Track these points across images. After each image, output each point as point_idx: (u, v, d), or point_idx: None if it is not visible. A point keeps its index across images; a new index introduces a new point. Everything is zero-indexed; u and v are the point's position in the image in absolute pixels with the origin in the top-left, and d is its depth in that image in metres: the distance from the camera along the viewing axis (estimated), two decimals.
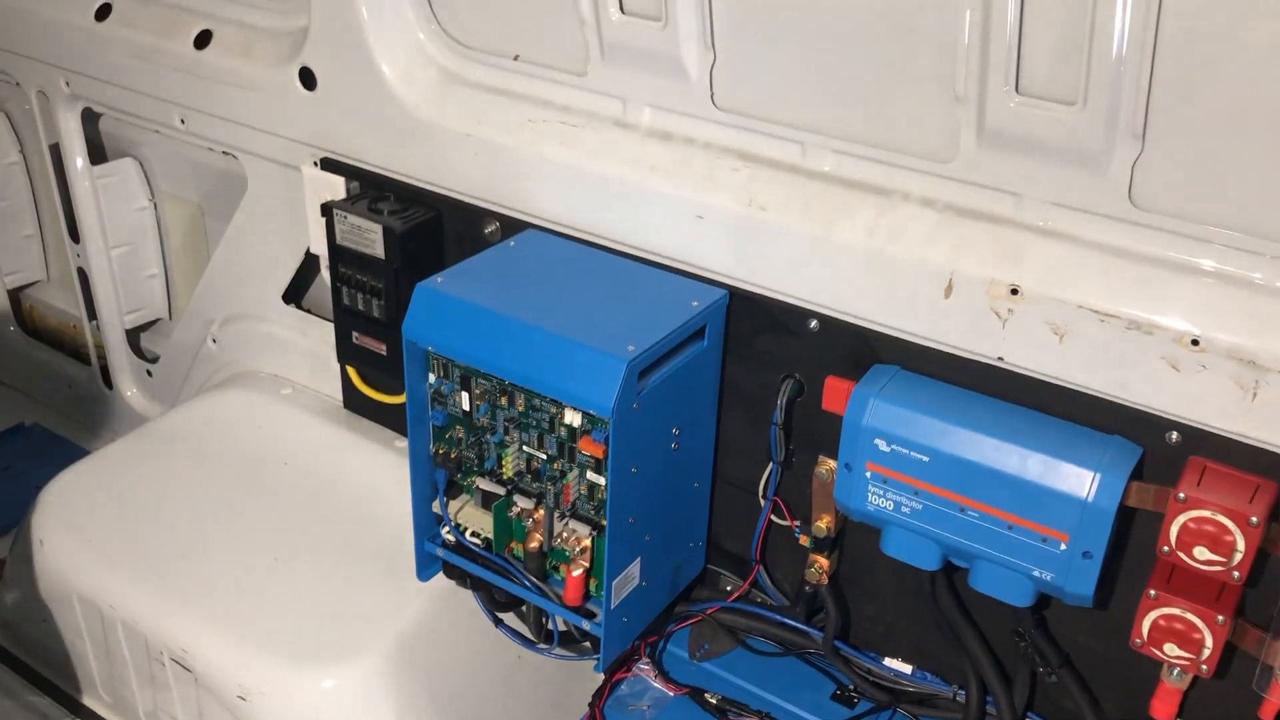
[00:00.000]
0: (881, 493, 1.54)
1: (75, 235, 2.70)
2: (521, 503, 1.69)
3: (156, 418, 2.50)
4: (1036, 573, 1.45)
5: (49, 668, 2.23)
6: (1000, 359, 1.51)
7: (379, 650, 1.86)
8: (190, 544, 2.06)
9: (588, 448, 1.56)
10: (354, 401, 2.34)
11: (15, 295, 3.18)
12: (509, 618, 1.91)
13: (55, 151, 2.65)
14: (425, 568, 1.84)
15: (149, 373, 2.84)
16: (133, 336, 2.86)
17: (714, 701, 1.77)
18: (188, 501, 2.17)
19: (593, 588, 1.67)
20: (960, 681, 1.71)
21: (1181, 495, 1.34)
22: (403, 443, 2.20)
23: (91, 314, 2.81)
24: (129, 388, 2.88)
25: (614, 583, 1.63)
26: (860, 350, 1.63)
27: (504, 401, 1.65)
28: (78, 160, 2.62)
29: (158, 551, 2.05)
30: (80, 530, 2.11)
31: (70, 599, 2.07)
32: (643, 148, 1.76)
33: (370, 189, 2.08)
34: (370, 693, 1.84)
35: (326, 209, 2.04)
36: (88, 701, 2.19)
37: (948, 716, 1.73)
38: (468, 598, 1.89)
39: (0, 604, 2.32)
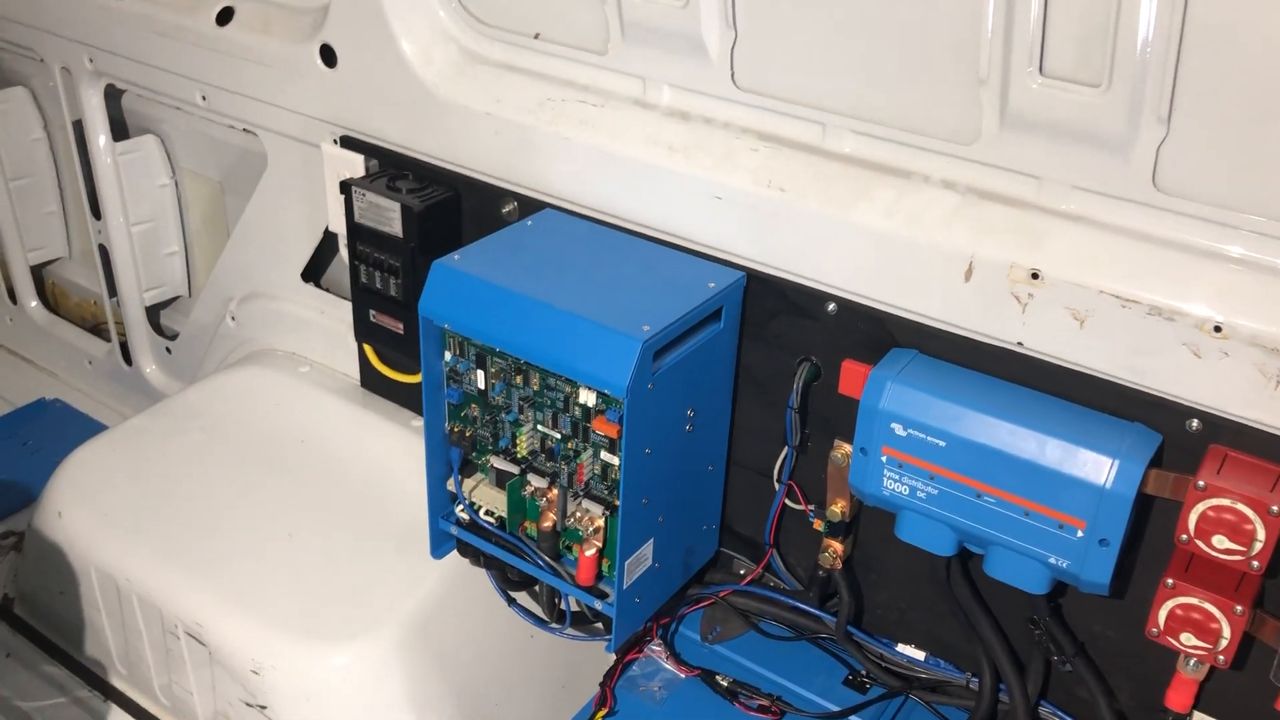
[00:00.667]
0: (897, 477, 1.53)
1: (97, 212, 2.71)
2: (535, 482, 1.69)
3: (175, 394, 2.51)
4: (1052, 560, 1.44)
5: (66, 639, 2.24)
6: (1020, 344, 1.49)
7: (392, 627, 1.87)
8: (207, 519, 2.08)
9: (602, 428, 1.56)
10: (371, 380, 2.34)
11: (38, 271, 3.20)
12: (522, 597, 1.91)
13: (78, 128, 2.66)
14: (439, 545, 1.84)
15: (168, 350, 2.86)
16: (152, 314, 2.87)
17: (725, 684, 1.77)
18: (205, 477, 2.18)
19: (605, 568, 1.67)
20: (973, 669, 1.70)
21: (1201, 483, 1.32)
22: (419, 421, 2.19)
23: (112, 291, 2.83)
24: (148, 364, 2.90)
25: (626, 563, 1.63)
26: (878, 334, 1.61)
27: (519, 380, 1.65)
28: (100, 137, 2.63)
29: (174, 526, 2.06)
30: (98, 504, 2.13)
31: (88, 571, 2.09)
32: (662, 127, 1.75)
33: (389, 167, 2.08)
34: (383, 669, 1.85)
35: (345, 187, 2.04)
36: (103, 674, 2.21)
37: (960, 703, 1.72)
38: (481, 576, 1.89)
39: (19, 576, 2.34)
